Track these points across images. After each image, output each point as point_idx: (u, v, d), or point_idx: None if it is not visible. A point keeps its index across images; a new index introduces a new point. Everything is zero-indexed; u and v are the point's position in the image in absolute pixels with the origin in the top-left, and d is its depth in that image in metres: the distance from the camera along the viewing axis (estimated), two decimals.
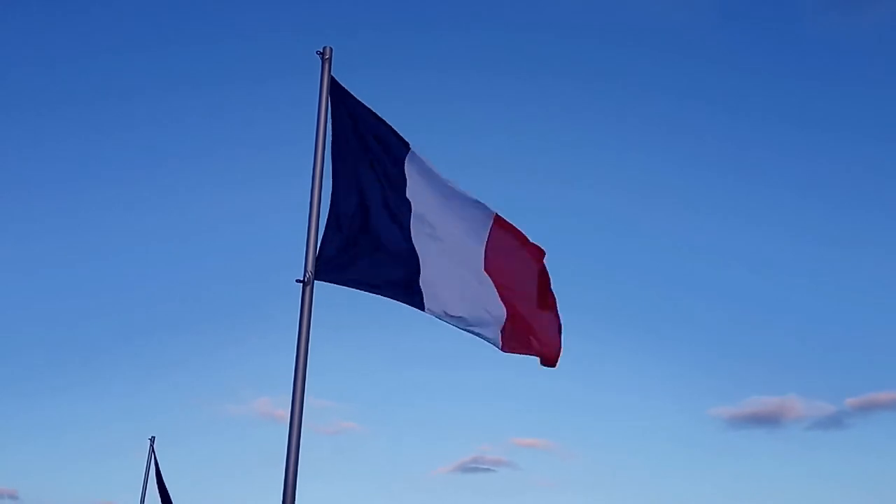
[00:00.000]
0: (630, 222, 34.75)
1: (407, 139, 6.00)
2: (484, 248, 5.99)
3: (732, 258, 34.76)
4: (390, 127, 6.01)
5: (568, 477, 29.98)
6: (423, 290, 5.82)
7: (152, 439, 15.33)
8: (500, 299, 5.88)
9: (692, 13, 34.68)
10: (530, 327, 5.91)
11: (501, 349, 5.87)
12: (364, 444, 30.17)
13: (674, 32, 35.42)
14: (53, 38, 34.72)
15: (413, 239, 5.89)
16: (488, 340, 5.87)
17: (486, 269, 5.94)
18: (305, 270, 5.59)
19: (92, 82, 34.74)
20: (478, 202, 6.03)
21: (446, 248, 5.94)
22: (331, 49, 6.03)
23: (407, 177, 5.96)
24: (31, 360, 31.03)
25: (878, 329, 32.05)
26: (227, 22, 34.68)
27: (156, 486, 14.70)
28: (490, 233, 6.02)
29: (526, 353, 5.93)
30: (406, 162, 5.97)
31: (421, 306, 5.82)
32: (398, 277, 5.85)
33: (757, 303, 34.20)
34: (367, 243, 5.84)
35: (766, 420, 31.70)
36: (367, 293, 5.90)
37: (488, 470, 29.81)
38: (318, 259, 5.64)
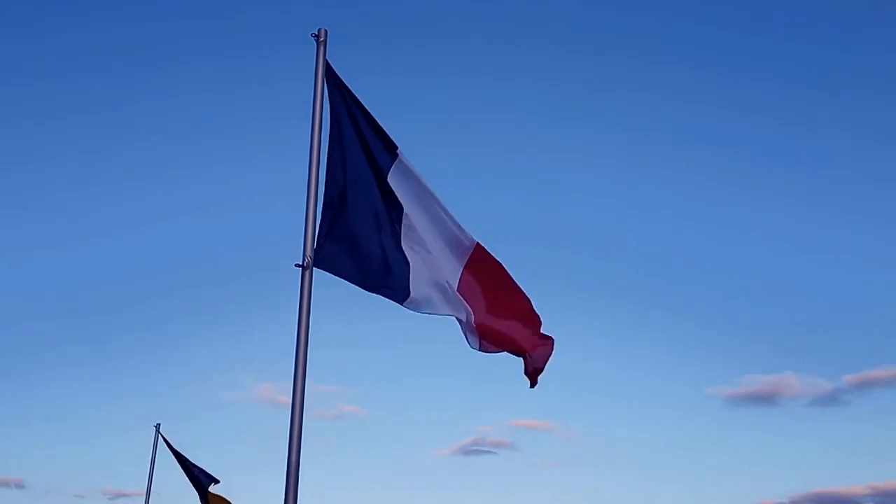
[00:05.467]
0: (629, 202, 34.75)
1: (397, 141, 5.96)
2: (461, 270, 5.94)
3: (730, 237, 34.73)
4: (381, 128, 5.98)
5: (569, 458, 30.11)
6: (410, 288, 5.77)
7: (158, 426, 15.35)
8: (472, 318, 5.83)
9: None
10: (505, 335, 5.86)
11: (479, 349, 5.83)
12: (366, 427, 30.28)
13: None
14: (45, 16, 34.58)
15: (402, 241, 5.86)
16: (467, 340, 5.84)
17: (458, 290, 5.88)
18: (304, 255, 5.58)
19: (89, 64, 34.70)
20: (460, 227, 5.98)
21: (428, 257, 5.90)
22: (325, 31, 6.01)
23: (392, 182, 5.91)
24: (34, 350, 31.11)
25: (875, 306, 32.12)
26: (225, 3, 34.55)
27: (182, 470, 14.57)
28: (469, 259, 5.96)
29: (502, 350, 5.88)
30: (394, 167, 5.93)
31: (402, 300, 5.75)
32: (388, 274, 5.80)
33: (753, 282, 34.23)
34: (360, 238, 5.82)
35: (764, 398, 31.81)
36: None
37: (489, 452, 29.95)
38: (315, 246, 5.63)
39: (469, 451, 30.07)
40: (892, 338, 31.30)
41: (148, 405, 27.21)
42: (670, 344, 32.51)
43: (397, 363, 30.78)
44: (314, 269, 5.59)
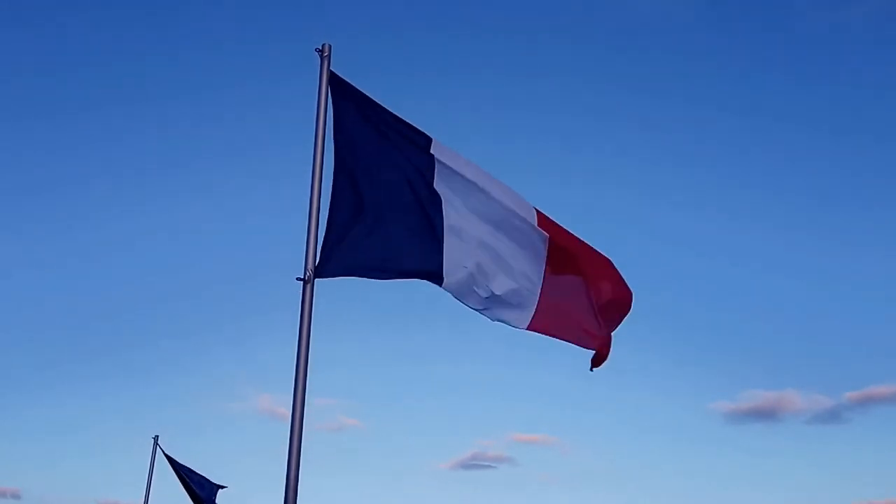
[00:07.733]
0: (629, 218, 34.71)
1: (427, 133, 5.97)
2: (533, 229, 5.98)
3: (730, 253, 34.64)
4: (406, 122, 5.96)
5: (569, 473, 29.98)
6: (444, 270, 5.75)
7: (156, 438, 15.32)
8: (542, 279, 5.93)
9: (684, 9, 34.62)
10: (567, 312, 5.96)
11: (528, 327, 5.89)
12: (365, 440, 30.20)
13: (663, 29, 35.34)
14: (55, 42, 34.68)
15: (444, 225, 5.83)
16: (509, 322, 5.88)
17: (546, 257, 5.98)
18: (306, 268, 5.57)
19: (93, 84, 34.70)
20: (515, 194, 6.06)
21: (482, 232, 5.91)
22: (329, 46, 5.99)
23: (436, 167, 5.91)
24: (33, 359, 31.05)
25: (877, 323, 31.99)
26: (227, 20, 34.68)
27: (180, 482, 14.57)
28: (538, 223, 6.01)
29: (556, 336, 5.96)
30: (433, 151, 5.92)
31: (439, 282, 5.76)
32: (415, 256, 5.80)
33: (754, 297, 34.15)
34: (375, 229, 5.79)
35: (765, 414, 31.77)
36: (370, 281, 5.82)
37: (489, 466, 29.86)
38: (318, 257, 5.61)
39: (469, 465, 30.00)
40: (895, 354, 31.27)
41: (146, 415, 27.14)
42: (670, 358, 32.43)
43: (397, 376, 30.74)
44: (315, 281, 5.58)
